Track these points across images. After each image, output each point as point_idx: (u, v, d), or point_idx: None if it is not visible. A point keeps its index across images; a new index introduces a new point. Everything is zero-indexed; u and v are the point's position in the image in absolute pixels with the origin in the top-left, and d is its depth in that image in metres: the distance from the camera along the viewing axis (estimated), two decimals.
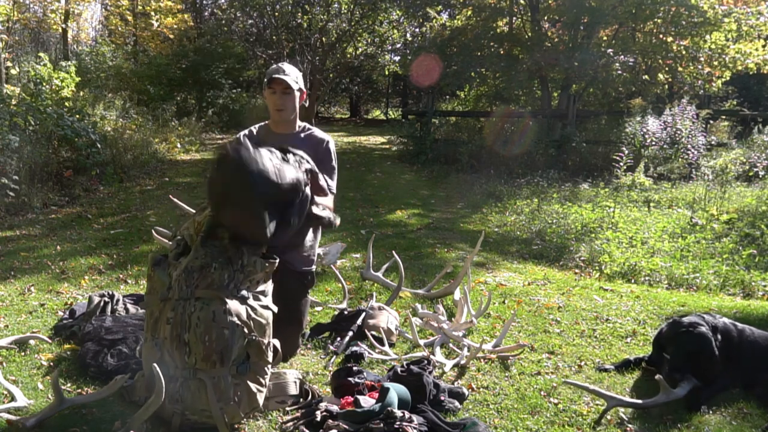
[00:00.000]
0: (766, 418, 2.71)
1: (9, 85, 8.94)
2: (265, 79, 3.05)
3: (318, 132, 3.19)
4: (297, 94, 3.06)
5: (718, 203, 7.12)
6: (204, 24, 19.30)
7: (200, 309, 2.38)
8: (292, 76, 3.02)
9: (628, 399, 2.72)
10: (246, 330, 2.42)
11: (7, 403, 2.58)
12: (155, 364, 2.30)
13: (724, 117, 13.64)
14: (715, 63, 11.58)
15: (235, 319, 2.39)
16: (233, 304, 2.41)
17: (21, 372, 2.97)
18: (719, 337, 2.99)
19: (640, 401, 2.71)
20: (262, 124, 3.19)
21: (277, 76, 2.98)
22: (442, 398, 2.69)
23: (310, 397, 2.69)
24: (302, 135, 3.13)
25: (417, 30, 14.81)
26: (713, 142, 10.24)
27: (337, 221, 2.80)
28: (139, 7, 17.66)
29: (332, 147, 3.19)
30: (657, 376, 2.70)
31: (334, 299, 4.13)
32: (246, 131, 3.17)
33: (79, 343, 3.19)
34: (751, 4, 11.91)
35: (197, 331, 2.36)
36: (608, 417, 2.67)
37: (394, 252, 4.47)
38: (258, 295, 2.52)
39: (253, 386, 2.45)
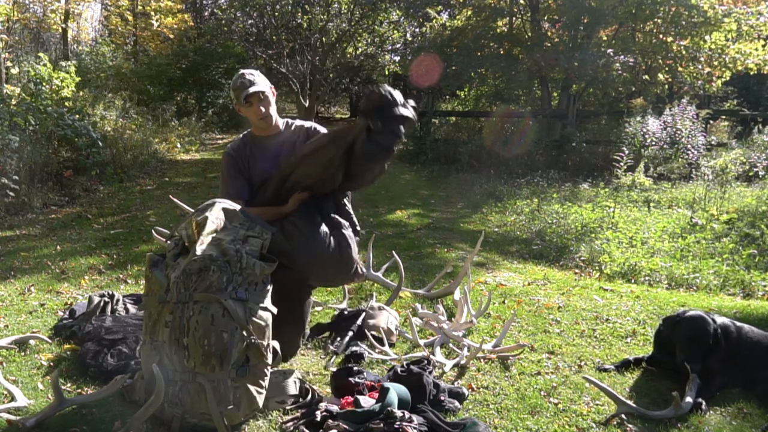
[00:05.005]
0: (766, 418, 2.71)
1: (9, 85, 8.92)
2: (236, 96, 2.94)
3: (300, 122, 3.17)
4: (270, 93, 3.00)
5: (718, 203, 7.12)
6: (204, 24, 19.27)
7: (199, 312, 2.36)
8: (260, 82, 2.94)
9: (639, 407, 2.69)
10: (245, 333, 2.40)
11: (7, 403, 2.59)
12: (155, 364, 2.30)
13: (724, 117, 13.63)
14: (715, 63, 11.57)
15: (234, 322, 2.37)
16: (232, 307, 2.39)
17: (21, 372, 2.97)
18: (719, 330, 3.02)
19: (650, 412, 2.68)
20: (247, 132, 3.14)
21: (250, 91, 2.88)
22: (442, 398, 2.69)
23: (310, 397, 2.69)
24: (288, 131, 3.10)
25: (417, 30, 14.78)
26: (713, 142, 10.23)
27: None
28: (139, 7, 17.65)
29: (317, 125, 3.18)
30: (674, 393, 2.68)
31: (334, 299, 4.13)
32: (234, 146, 3.09)
33: (79, 343, 3.19)
34: (751, 4, 11.90)
35: (196, 335, 2.34)
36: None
37: (394, 252, 4.47)
38: (257, 296, 2.51)
39: (252, 389, 2.44)
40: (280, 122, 3.11)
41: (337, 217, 2.95)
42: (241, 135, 3.17)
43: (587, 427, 2.62)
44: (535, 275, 4.98)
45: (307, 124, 3.17)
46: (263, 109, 2.95)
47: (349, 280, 3.15)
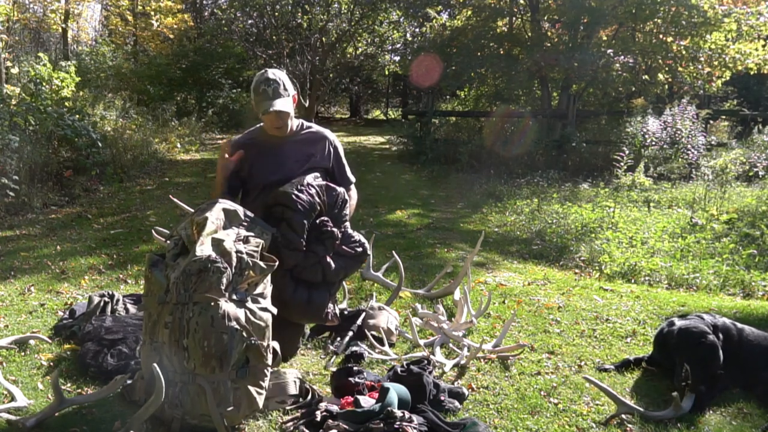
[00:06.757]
0: (766, 418, 2.71)
1: (9, 85, 8.92)
2: (255, 102, 2.92)
3: (317, 128, 3.17)
4: (291, 105, 2.96)
5: (718, 203, 7.12)
6: (204, 24, 19.29)
7: (198, 314, 2.35)
8: (284, 95, 2.90)
9: (639, 408, 2.69)
10: (245, 334, 2.40)
11: (7, 403, 2.59)
12: (155, 364, 2.30)
13: (724, 117, 13.64)
14: (715, 63, 11.57)
15: (233, 323, 2.37)
16: (232, 308, 2.38)
17: (21, 372, 2.97)
18: (720, 336, 3.00)
19: (650, 412, 2.68)
20: (259, 127, 3.12)
21: (270, 110, 2.85)
22: (442, 398, 2.69)
23: (310, 397, 2.69)
24: (301, 135, 3.10)
25: (417, 30, 14.80)
26: (713, 142, 10.24)
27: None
28: (139, 7, 17.66)
29: (333, 139, 3.17)
30: (674, 393, 2.68)
31: None
32: (243, 138, 3.10)
33: (79, 343, 3.19)
34: (751, 4, 11.90)
35: (196, 336, 2.34)
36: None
37: (394, 252, 4.47)
38: (257, 297, 2.51)
39: (252, 390, 2.43)
40: (295, 123, 3.10)
41: (328, 260, 2.90)
42: (251, 129, 3.15)
43: (587, 427, 2.62)
44: (535, 275, 4.98)
45: (330, 136, 3.16)
46: (280, 121, 2.95)
47: (316, 322, 3.20)
